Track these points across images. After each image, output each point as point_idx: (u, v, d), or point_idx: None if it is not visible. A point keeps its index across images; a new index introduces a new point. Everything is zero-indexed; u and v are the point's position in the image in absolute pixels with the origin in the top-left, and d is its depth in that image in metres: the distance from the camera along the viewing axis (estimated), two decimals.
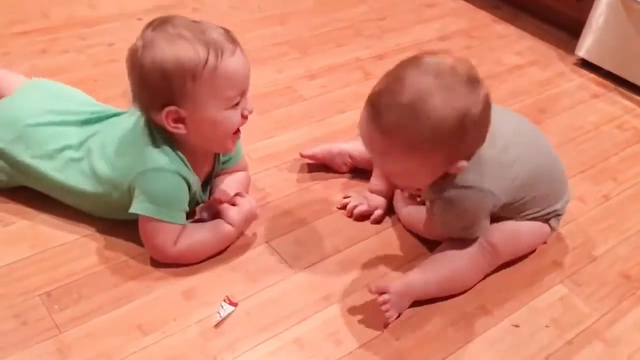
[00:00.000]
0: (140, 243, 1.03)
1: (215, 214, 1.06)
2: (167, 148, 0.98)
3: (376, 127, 0.89)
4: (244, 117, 1.01)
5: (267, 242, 1.10)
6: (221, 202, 1.06)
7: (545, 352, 0.97)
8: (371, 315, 0.99)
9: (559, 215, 1.11)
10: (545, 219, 1.08)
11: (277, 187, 1.22)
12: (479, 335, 0.98)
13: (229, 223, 1.04)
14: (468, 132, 0.88)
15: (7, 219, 1.08)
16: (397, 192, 1.18)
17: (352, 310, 1.00)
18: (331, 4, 1.96)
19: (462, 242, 1.04)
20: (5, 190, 1.11)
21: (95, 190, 1.03)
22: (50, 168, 1.04)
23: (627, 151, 1.43)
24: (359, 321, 0.98)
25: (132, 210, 0.98)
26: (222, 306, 0.96)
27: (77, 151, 1.05)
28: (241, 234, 1.08)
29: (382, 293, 0.96)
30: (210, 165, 1.10)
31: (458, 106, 0.86)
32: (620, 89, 1.64)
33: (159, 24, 0.95)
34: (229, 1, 1.90)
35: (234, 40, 0.96)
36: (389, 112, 0.87)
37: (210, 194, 1.12)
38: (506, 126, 1.01)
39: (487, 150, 0.95)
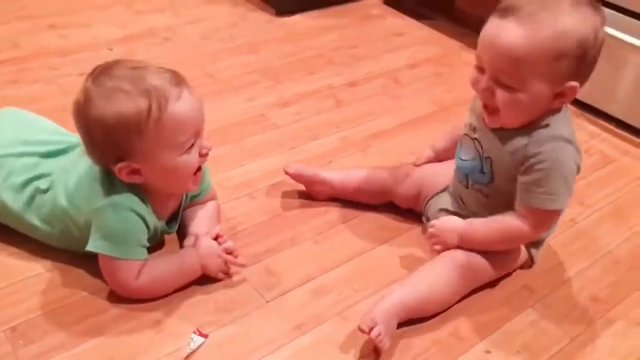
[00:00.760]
0: None
1: None
2: (123, 185, 0.96)
3: (512, 21, 0.91)
4: (202, 156, 0.99)
5: (238, 272, 1.09)
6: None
7: None
8: (343, 343, 0.98)
9: (541, 242, 1.14)
10: (533, 244, 1.12)
11: (249, 215, 1.22)
12: None
13: (197, 253, 1.02)
14: (588, 53, 0.93)
15: None
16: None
17: (325, 340, 0.99)
18: (302, 32, 1.98)
19: (442, 262, 1.05)
20: None
21: (57, 224, 1.01)
22: (16, 201, 1.02)
23: (593, 175, 1.45)
24: (332, 350, 0.97)
25: (88, 248, 0.97)
26: (192, 338, 0.95)
27: (44, 184, 1.03)
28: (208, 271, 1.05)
29: (371, 328, 0.94)
30: (178, 201, 1.09)
31: (588, 23, 0.92)
32: (587, 115, 1.68)
33: (97, 74, 0.93)
34: (200, 31, 1.91)
35: (179, 83, 0.94)
36: (528, 6, 0.92)
37: (181, 226, 1.11)
38: None
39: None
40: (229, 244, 1.05)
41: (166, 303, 1.01)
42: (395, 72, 1.81)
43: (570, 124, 1.02)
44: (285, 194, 1.28)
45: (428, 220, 1.18)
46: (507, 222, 1.03)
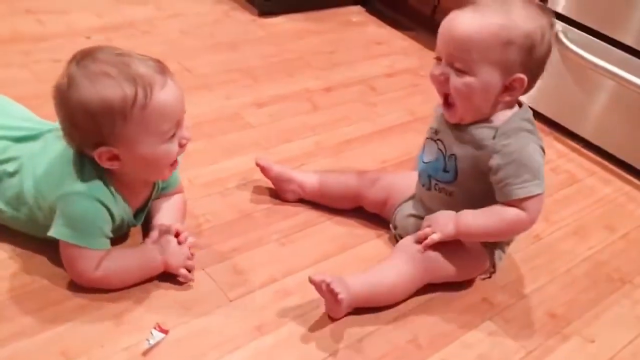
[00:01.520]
0: None
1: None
2: (93, 174, 0.96)
3: (468, 10, 1.00)
4: (182, 146, 0.99)
5: (203, 269, 1.09)
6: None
7: None
8: (303, 347, 0.99)
9: (507, 245, 1.16)
10: (497, 246, 1.13)
11: (218, 213, 1.22)
12: None
13: (159, 249, 1.02)
14: (535, 48, 1.00)
15: None
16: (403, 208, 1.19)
17: (285, 341, 0.99)
18: (283, 34, 1.99)
19: (399, 254, 1.09)
20: None
21: (23, 209, 1.00)
22: None
23: (560, 193, 1.49)
24: (291, 353, 0.98)
25: (49, 233, 0.96)
26: (152, 333, 0.95)
27: (11, 167, 1.02)
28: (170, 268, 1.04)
29: (322, 280, 0.98)
30: (149, 191, 1.08)
31: (536, 22, 1.00)
32: (556, 134, 1.72)
33: (81, 58, 0.92)
34: (180, 26, 1.91)
35: (163, 71, 0.94)
36: (484, 1, 1.01)
37: (147, 218, 1.10)
38: None
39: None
40: (190, 240, 1.05)
41: (129, 296, 1.01)
42: (373, 79, 1.83)
43: (529, 114, 1.07)
44: (255, 195, 1.28)
45: (396, 228, 1.20)
46: (505, 212, 1.04)
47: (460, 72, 1.01)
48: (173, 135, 0.96)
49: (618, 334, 1.13)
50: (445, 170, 1.09)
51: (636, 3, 1.48)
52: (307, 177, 1.27)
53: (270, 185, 1.29)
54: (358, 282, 1.04)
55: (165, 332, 0.96)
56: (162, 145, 0.95)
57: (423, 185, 1.15)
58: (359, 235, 1.23)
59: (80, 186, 0.95)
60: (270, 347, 0.98)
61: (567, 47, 1.59)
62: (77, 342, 0.92)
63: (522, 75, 1.01)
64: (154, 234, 1.06)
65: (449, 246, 1.08)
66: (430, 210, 1.13)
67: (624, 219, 1.43)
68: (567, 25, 1.62)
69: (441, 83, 1.04)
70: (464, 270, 1.12)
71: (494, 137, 1.03)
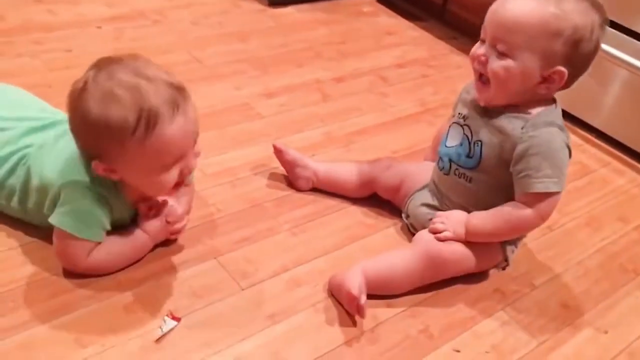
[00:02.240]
0: None
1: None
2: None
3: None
4: (184, 175, 0.96)
5: (215, 258, 1.09)
6: (147, 210, 1.04)
7: None
8: (315, 336, 0.99)
9: (519, 240, 1.15)
10: (510, 241, 1.13)
11: (229, 202, 1.22)
12: (421, 359, 0.99)
13: (144, 230, 1.03)
14: (583, 43, 0.98)
15: None
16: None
17: (296, 331, 0.99)
18: (292, 25, 1.98)
19: (412, 245, 1.10)
20: None
21: (30, 198, 1.00)
22: None
23: (572, 184, 1.48)
24: (302, 342, 0.98)
25: (50, 220, 0.96)
26: (164, 321, 0.95)
27: (23, 157, 1.02)
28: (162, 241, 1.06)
29: (359, 297, 0.98)
30: None
31: (588, 17, 0.98)
32: (570, 125, 1.70)
33: (101, 68, 0.89)
34: (191, 15, 1.90)
35: (178, 103, 0.89)
36: None
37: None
38: None
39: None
40: (156, 211, 1.04)
41: (141, 283, 1.01)
42: (383, 70, 1.82)
43: (560, 116, 1.06)
44: (266, 184, 1.28)
45: (408, 217, 1.19)
46: (512, 211, 1.04)
47: (502, 54, 0.99)
48: (174, 164, 0.93)
49: (631, 325, 1.12)
50: (468, 156, 1.09)
51: None
52: (321, 165, 1.27)
53: (281, 174, 1.29)
54: (371, 271, 1.04)
55: (178, 319, 0.96)
56: (159, 175, 0.93)
57: (441, 169, 1.14)
58: (371, 225, 1.23)
59: (86, 179, 0.95)
60: (282, 335, 0.98)
61: None
62: (90, 330, 0.93)
63: (563, 69, 0.99)
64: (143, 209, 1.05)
65: (464, 243, 1.08)
66: (444, 196, 1.13)
67: (637, 210, 1.42)
68: None
69: (481, 63, 1.02)
70: (475, 264, 1.11)
71: (522, 127, 1.02)
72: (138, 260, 1.04)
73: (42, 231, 1.04)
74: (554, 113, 1.05)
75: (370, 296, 1.03)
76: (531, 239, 1.26)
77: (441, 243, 1.07)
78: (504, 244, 1.13)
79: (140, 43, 1.69)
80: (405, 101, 1.68)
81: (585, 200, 1.42)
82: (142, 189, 0.99)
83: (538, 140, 1.01)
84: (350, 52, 1.88)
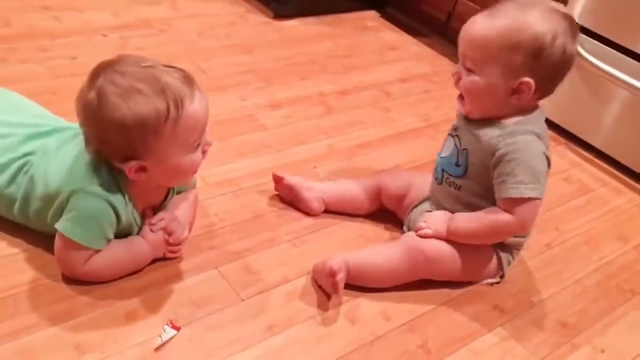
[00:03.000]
0: None
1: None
2: (108, 176, 0.96)
3: (484, 14, 1.03)
4: (204, 153, 1.00)
5: (215, 268, 1.09)
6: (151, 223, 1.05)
7: None
8: (313, 348, 0.99)
9: (518, 250, 1.17)
10: (505, 249, 1.14)
11: (232, 213, 1.22)
12: None
13: (146, 239, 1.03)
14: (544, 52, 0.99)
15: None
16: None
17: (295, 342, 1.00)
18: (297, 38, 2.00)
19: (398, 241, 1.13)
20: None
21: (33, 205, 1.01)
22: None
23: (571, 203, 1.48)
24: (301, 354, 0.98)
25: (56, 225, 0.96)
26: (164, 330, 0.95)
27: (25, 164, 1.02)
28: (162, 256, 1.06)
29: (337, 273, 1.03)
30: (162, 195, 1.08)
31: (549, 25, 0.99)
32: (569, 144, 1.72)
33: (108, 71, 0.91)
34: (196, 26, 1.92)
35: (190, 82, 0.94)
36: (504, 5, 1.03)
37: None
38: None
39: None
40: (162, 224, 1.04)
41: (142, 292, 1.01)
42: (386, 84, 1.83)
43: (542, 122, 1.08)
44: (268, 196, 1.29)
45: (409, 229, 1.20)
46: (492, 215, 1.06)
47: (469, 70, 1.05)
48: (198, 145, 0.97)
49: (628, 344, 1.13)
50: (457, 165, 1.11)
51: None
52: (325, 185, 1.28)
53: None
54: (353, 259, 1.07)
55: (178, 328, 0.96)
56: (189, 155, 0.96)
57: (436, 179, 1.17)
58: (371, 238, 1.23)
59: (94, 186, 0.95)
60: (281, 347, 0.98)
61: (581, 56, 1.59)
62: (90, 337, 0.93)
63: (528, 79, 1.01)
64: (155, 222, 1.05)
65: (452, 244, 1.10)
66: (440, 205, 1.15)
67: (636, 230, 1.43)
68: (582, 35, 1.62)
69: (455, 80, 1.09)
70: (467, 270, 1.12)
71: (499, 135, 1.05)
72: (138, 271, 1.04)
73: (43, 238, 1.05)
74: (532, 121, 1.07)
75: (368, 310, 1.03)
76: (530, 257, 1.27)
77: (424, 239, 1.09)
78: (498, 252, 1.14)
79: (146, 52, 1.69)
80: (408, 116, 1.69)
81: (584, 219, 1.43)
82: (170, 178, 1.01)
83: (513, 147, 1.03)
84: (354, 65, 1.90)
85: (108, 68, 0.92)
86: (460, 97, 1.10)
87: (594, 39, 1.61)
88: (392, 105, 1.73)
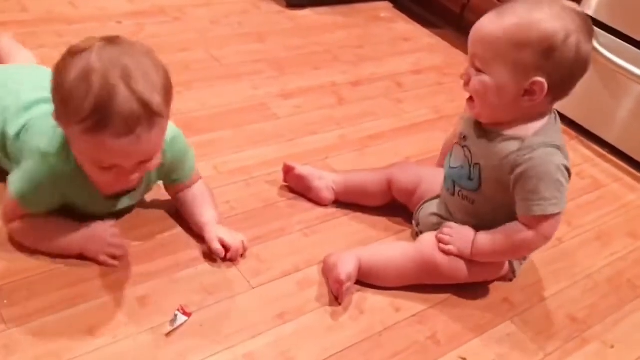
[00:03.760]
0: None
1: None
2: (68, 150, 0.94)
3: (494, 12, 1.00)
4: (124, 178, 0.94)
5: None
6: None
7: None
8: (323, 337, 1.00)
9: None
10: None
11: (243, 201, 1.23)
12: None
13: (88, 225, 1.01)
14: (555, 51, 0.96)
15: None
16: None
17: (306, 330, 1.00)
18: (311, 27, 1.99)
19: (413, 243, 1.13)
20: None
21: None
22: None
23: (583, 198, 1.48)
24: (311, 342, 0.99)
25: (8, 177, 0.98)
26: (175, 315, 0.96)
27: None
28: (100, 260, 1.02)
29: (345, 283, 1.03)
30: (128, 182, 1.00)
31: (561, 22, 0.96)
32: (582, 138, 1.71)
33: (92, 45, 0.87)
34: (210, 14, 1.92)
35: (133, 124, 0.85)
36: (515, 3, 0.99)
37: (184, 214, 1.13)
38: None
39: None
40: (114, 230, 1.02)
41: (154, 278, 1.02)
42: (399, 76, 1.82)
43: (559, 133, 1.05)
44: (280, 185, 1.29)
45: (418, 224, 1.20)
46: (516, 234, 1.04)
47: (479, 70, 1.01)
48: (113, 167, 0.91)
49: (638, 341, 1.12)
50: (469, 179, 1.08)
51: None
52: (336, 175, 1.28)
53: None
54: (366, 261, 1.07)
55: (189, 314, 0.97)
56: (99, 169, 0.92)
57: (447, 190, 1.15)
58: (382, 230, 1.24)
59: (51, 151, 0.95)
60: (291, 335, 0.99)
61: (597, 51, 1.58)
62: (102, 320, 0.94)
63: (540, 79, 0.97)
64: (212, 239, 1.06)
65: (468, 261, 1.09)
66: (452, 215, 1.13)
67: None
68: (597, 29, 1.61)
69: (465, 81, 1.04)
70: (475, 276, 1.11)
71: (519, 149, 1.01)
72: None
73: None
74: (551, 131, 1.03)
75: (378, 301, 1.04)
76: (541, 251, 1.25)
77: (441, 254, 1.08)
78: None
79: (160, 39, 1.70)
80: (420, 107, 1.69)
81: (595, 215, 1.43)
82: (91, 177, 0.97)
83: (534, 163, 1.00)
84: (367, 56, 1.89)
85: (108, 40, 0.89)
86: (470, 99, 1.05)
87: (609, 33, 1.59)
88: (405, 96, 1.73)
